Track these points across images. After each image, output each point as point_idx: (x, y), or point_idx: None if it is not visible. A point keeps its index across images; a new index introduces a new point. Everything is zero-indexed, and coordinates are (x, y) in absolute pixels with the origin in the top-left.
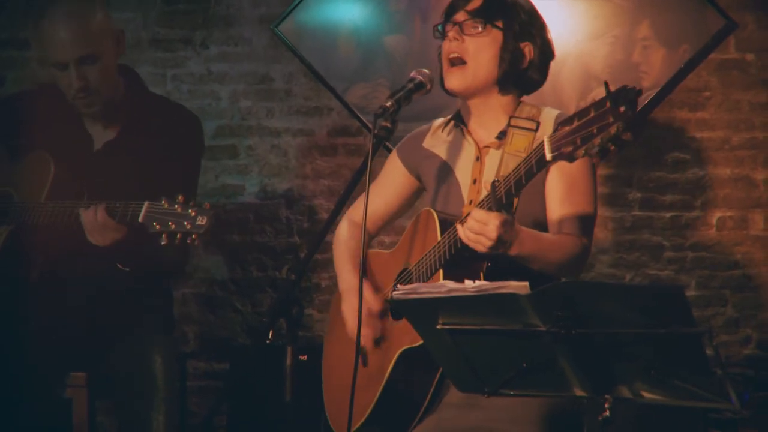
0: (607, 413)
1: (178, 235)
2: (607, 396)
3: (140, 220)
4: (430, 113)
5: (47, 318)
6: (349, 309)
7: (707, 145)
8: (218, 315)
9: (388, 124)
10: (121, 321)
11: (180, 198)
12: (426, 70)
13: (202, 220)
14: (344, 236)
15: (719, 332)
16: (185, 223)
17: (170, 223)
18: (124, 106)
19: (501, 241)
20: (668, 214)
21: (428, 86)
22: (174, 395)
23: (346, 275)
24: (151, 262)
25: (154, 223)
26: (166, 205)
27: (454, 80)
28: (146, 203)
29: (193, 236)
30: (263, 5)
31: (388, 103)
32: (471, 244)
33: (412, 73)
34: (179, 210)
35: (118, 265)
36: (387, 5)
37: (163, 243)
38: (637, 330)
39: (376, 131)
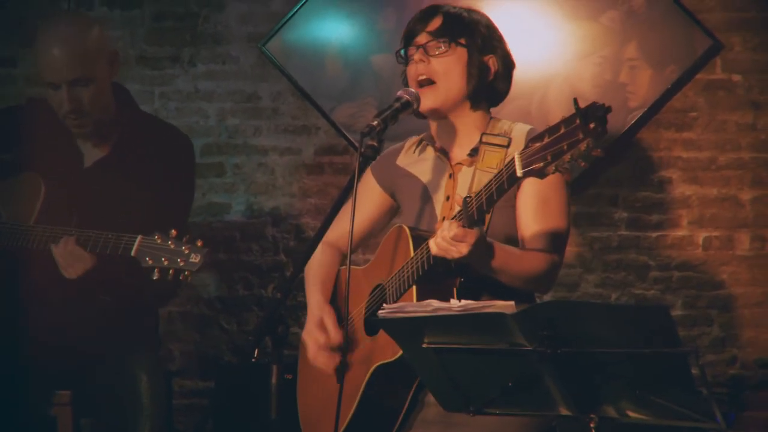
0: None
1: (171, 271)
2: (592, 415)
3: (133, 254)
4: (417, 132)
5: (33, 337)
6: (309, 338)
7: (694, 165)
8: (204, 333)
9: (375, 143)
10: (107, 339)
11: (173, 233)
12: (413, 90)
13: (195, 258)
14: (316, 259)
15: (705, 352)
16: (178, 260)
17: (163, 259)
18: (115, 125)
19: (471, 256)
20: (654, 234)
21: (415, 105)
22: (159, 413)
23: (313, 297)
24: (136, 294)
25: (147, 258)
26: (159, 241)
27: (428, 101)
28: (139, 237)
29: (186, 273)
30: (251, 24)
31: (375, 122)
32: (441, 253)
33: (399, 93)
34: (172, 246)
35: (99, 296)
36: (375, 24)
37: (154, 278)
38: (623, 350)
39: (362, 150)
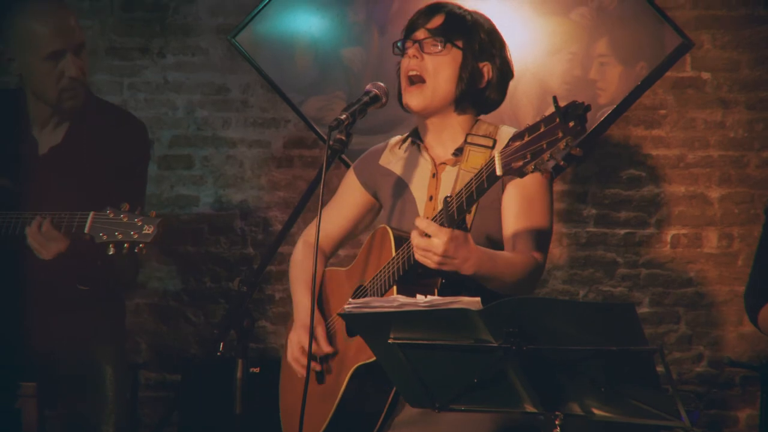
0: (558, 430)
1: (126, 245)
2: (558, 412)
3: (86, 230)
4: (386, 126)
5: None
6: (293, 342)
7: (662, 162)
8: (171, 326)
9: (343, 137)
10: (73, 330)
11: (125, 207)
12: (382, 84)
13: (149, 229)
14: (299, 258)
15: (672, 349)
16: (132, 232)
17: (117, 233)
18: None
19: (448, 257)
20: (622, 231)
21: (383, 99)
22: (123, 406)
23: (300, 298)
24: (107, 276)
25: (101, 234)
26: (111, 215)
27: (413, 99)
28: (92, 213)
29: (141, 245)
30: (221, 15)
31: (343, 116)
32: (420, 259)
33: (368, 86)
34: (125, 219)
35: (79, 287)
36: (345, 18)
37: (110, 253)
38: (588, 347)
39: (330, 143)
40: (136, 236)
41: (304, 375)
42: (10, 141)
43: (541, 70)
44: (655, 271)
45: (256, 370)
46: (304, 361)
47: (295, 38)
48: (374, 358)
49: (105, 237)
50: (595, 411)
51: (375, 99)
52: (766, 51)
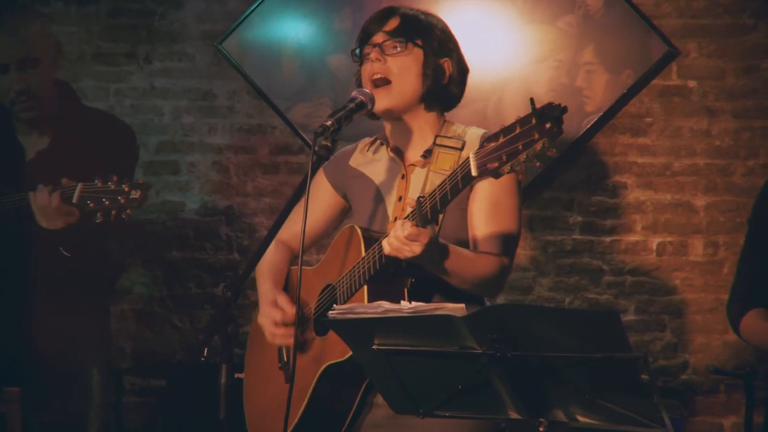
0: None
1: (113, 212)
2: (541, 419)
3: (74, 201)
4: (372, 133)
5: None
6: (264, 318)
7: (648, 170)
8: (156, 331)
9: (329, 143)
10: (59, 333)
11: (114, 177)
12: (368, 90)
13: (136, 194)
14: (268, 257)
15: (657, 357)
16: (119, 198)
17: (104, 200)
18: (56, 117)
19: (423, 255)
20: (608, 239)
21: (369, 106)
22: (108, 411)
23: (264, 286)
24: (93, 249)
25: (89, 202)
26: (99, 184)
27: (382, 101)
28: (80, 184)
29: (128, 210)
30: (207, 21)
31: (329, 122)
32: (394, 252)
33: (353, 93)
34: (113, 187)
35: (61, 250)
36: (331, 25)
37: (98, 221)
38: (573, 354)
39: (316, 149)
40: (123, 201)
41: (286, 343)
42: None
43: (528, 78)
44: (640, 279)
45: (241, 375)
46: (282, 332)
47: (282, 45)
48: (344, 357)
49: (92, 205)
50: (580, 418)
51: (361, 105)
52: (752, 60)
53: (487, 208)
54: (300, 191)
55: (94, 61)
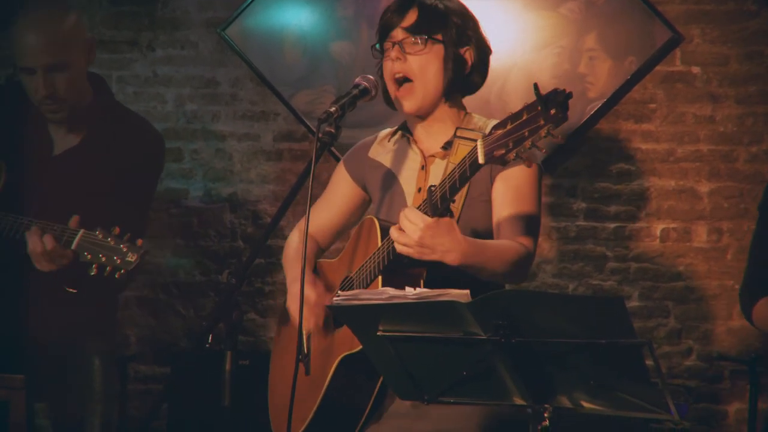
0: (547, 423)
1: (108, 268)
2: (546, 405)
3: (73, 247)
4: (375, 120)
5: None
6: (292, 300)
7: (652, 156)
8: (160, 319)
9: (332, 130)
10: (61, 321)
11: (116, 230)
12: (371, 77)
13: (132, 257)
14: (294, 242)
15: (661, 343)
16: (115, 257)
17: (101, 256)
18: (89, 115)
19: (425, 246)
20: (612, 225)
21: (373, 93)
22: (111, 398)
23: (292, 272)
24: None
25: (86, 253)
26: (100, 236)
27: (408, 104)
28: (81, 231)
29: (122, 271)
30: (210, 9)
31: (332, 109)
32: (398, 248)
33: (357, 80)
34: (112, 243)
35: (66, 288)
36: (334, 11)
37: (92, 273)
38: (578, 340)
39: (319, 136)
40: (119, 261)
41: (316, 324)
42: (24, 137)
43: (531, 65)
44: (644, 265)
45: (245, 362)
46: (315, 312)
47: (285, 32)
48: (359, 348)
49: (89, 257)
50: (585, 404)
51: (365, 92)
52: (756, 46)
53: (509, 196)
54: (304, 178)
55: (97, 49)
